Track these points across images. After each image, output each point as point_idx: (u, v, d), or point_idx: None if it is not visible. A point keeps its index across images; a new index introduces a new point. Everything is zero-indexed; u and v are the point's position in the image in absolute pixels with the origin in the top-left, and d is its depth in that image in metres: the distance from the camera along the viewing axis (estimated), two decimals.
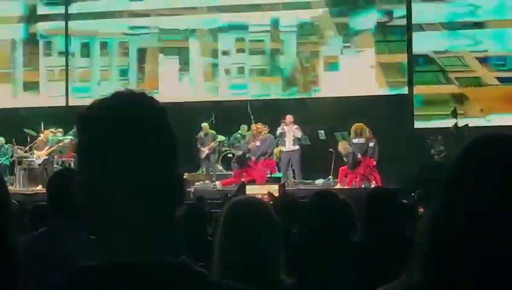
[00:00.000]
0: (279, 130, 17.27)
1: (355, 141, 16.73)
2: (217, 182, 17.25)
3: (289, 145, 17.16)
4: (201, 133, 17.70)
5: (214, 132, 17.80)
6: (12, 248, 1.70)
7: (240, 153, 17.23)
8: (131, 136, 1.28)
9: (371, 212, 4.31)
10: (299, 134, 17.11)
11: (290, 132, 17.14)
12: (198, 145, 17.59)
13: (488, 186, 1.27)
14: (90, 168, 1.31)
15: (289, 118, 17.21)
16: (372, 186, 15.93)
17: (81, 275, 1.28)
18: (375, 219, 4.24)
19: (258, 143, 17.24)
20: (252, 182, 15.97)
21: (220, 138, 18.02)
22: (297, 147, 17.13)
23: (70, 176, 3.26)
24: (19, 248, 2.08)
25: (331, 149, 17.11)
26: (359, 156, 16.66)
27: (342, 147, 16.71)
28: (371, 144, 16.89)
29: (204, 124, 17.73)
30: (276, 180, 16.21)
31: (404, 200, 7.13)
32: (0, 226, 1.67)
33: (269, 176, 16.72)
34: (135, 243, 1.28)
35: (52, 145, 17.71)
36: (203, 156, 17.63)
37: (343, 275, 3.63)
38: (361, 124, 16.79)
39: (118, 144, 1.27)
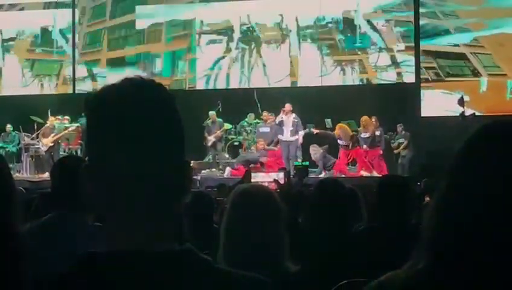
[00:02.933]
0: (278, 119, 17.24)
1: (363, 135, 16.79)
2: (227, 168, 17.26)
3: (287, 135, 17.08)
4: (208, 121, 17.71)
5: (220, 120, 17.81)
6: (17, 233, 1.70)
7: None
8: (139, 123, 1.28)
9: (383, 199, 4.28)
10: (296, 124, 17.06)
11: (289, 121, 17.09)
12: (205, 133, 17.60)
13: (495, 172, 1.27)
14: (97, 154, 1.31)
15: (288, 106, 17.10)
16: (375, 175, 16.01)
17: (86, 262, 1.28)
18: (386, 206, 4.23)
19: (266, 129, 17.32)
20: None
21: (227, 126, 18.02)
22: (295, 137, 17.09)
23: (74, 163, 3.27)
24: (26, 234, 2.09)
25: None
26: (365, 146, 16.73)
27: (313, 151, 16.73)
28: (377, 133, 16.93)
29: (212, 112, 17.73)
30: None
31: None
32: (4, 212, 1.67)
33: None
34: (141, 230, 1.28)
35: (58, 133, 17.74)
36: (210, 144, 17.65)
37: (348, 263, 3.64)
38: (366, 117, 16.82)
39: (126, 131, 1.27)
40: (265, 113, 17.73)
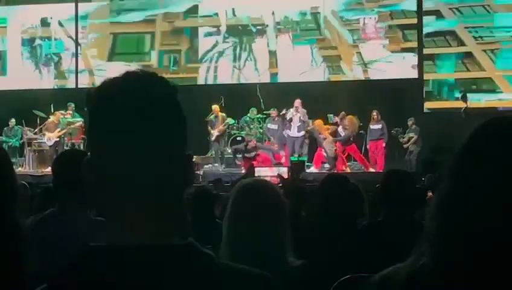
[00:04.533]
0: (288, 115, 17.19)
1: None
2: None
3: (294, 131, 17.06)
4: (212, 116, 17.70)
5: (224, 114, 17.78)
6: (17, 225, 1.70)
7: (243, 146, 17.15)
8: (140, 116, 1.27)
9: (386, 194, 4.28)
10: (306, 118, 17.02)
11: (297, 117, 17.05)
12: (209, 128, 17.60)
13: (496, 167, 1.27)
14: (98, 148, 1.30)
15: (297, 102, 17.08)
16: (371, 170, 15.96)
17: (89, 256, 1.28)
18: (390, 201, 4.22)
19: (275, 126, 17.32)
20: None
21: (230, 120, 18.00)
22: (302, 132, 17.05)
23: (75, 156, 3.27)
24: (28, 228, 2.09)
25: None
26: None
27: (328, 148, 16.57)
28: (379, 127, 16.86)
29: (215, 106, 17.71)
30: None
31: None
32: (5, 204, 1.67)
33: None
34: (141, 224, 1.28)
35: (63, 127, 17.76)
36: (213, 138, 17.64)
37: (351, 257, 3.64)
38: (343, 112, 16.71)
39: (126, 124, 1.27)
40: (272, 111, 17.66)
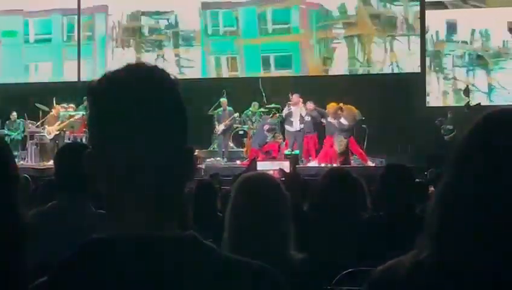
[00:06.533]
0: (285, 111, 17.07)
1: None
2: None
3: (296, 126, 16.87)
4: (219, 109, 17.67)
5: (231, 108, 17.72)
6: (18, 215, 1.70)
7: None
8: (142, 109, 1.27)
9: (387, 188, 4.29)
10: (304, 112, 16.87)
11: (297, 112, 16.94)
12: (215, 122, 17.57)
13: (498, 161, 1.26)
14: (99, 140, 1.30)
15: (295, 97, 16.90)
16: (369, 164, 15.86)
17: (90, 248, 1.28)
18: (390, 195, 4.23)
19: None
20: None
21: (237, 114, 17.93)
22: (302, 126, 16.93)
23: (77, 149, 3.27)
24: (30, 220, 2.08)
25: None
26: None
27: (337, 142, 16.24)
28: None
29: (223, 100, 17.64)
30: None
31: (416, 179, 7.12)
32: (5, 194, 1.67)
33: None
34: (144, 217, 1.28)
35: (63, 121, 17.76)
36: (219, 131, 17.60)
37: (352, 251, 3.64)
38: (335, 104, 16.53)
39: (128, 117, 1.26)
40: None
